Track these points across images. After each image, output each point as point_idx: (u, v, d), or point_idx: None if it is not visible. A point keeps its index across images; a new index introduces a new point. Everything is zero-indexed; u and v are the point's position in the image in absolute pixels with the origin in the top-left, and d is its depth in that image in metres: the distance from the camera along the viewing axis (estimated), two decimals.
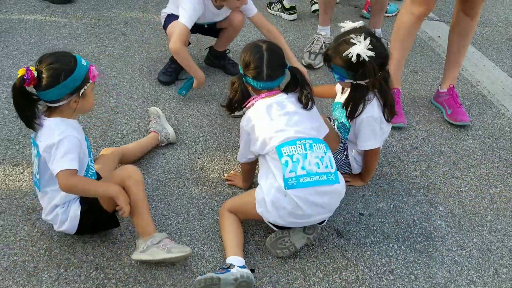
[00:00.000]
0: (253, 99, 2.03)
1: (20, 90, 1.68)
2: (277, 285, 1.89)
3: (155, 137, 2.44)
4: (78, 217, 1.87)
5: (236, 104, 2.06)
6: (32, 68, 1.67)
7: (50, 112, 1.79)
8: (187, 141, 2.56)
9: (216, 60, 3.15)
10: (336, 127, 2.35)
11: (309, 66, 3.23)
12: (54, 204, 1.86)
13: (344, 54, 1.96)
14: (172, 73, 3.01)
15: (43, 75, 1.67)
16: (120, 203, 1.78)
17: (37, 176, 1.84)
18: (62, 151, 1.70)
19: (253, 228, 2.11)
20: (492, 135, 2.80)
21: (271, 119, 1.94)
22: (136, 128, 2.61)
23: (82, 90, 1.74)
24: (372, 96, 2.10)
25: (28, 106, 1.73)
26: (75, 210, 1.87)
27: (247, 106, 2.04)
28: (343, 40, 2.01)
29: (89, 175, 1.88)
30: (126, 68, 3.10)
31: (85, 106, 1.81)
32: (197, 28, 2.88)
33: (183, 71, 3.04)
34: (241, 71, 2.02)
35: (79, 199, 1.88)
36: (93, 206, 1.87)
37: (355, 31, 2.02)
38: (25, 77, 1.64)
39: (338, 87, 2.34)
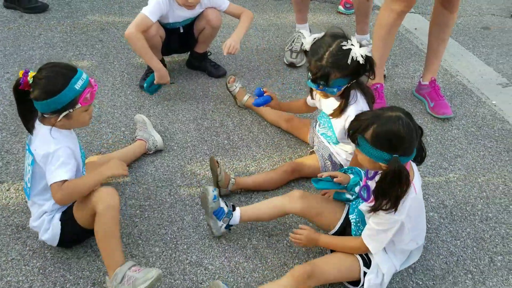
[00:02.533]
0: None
1: (17, 90, 1.72)
2: None
3: (141, 145, 2.39)
4: (60, 226, 1.86)
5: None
6: (31, 74, 1.69)
7: (43, 119, 1.79)
8: (175, 147, 2.53)
9: (198, 63, 3.11)
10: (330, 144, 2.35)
11: (292, 65, 3.23)
12: (43, 210, 1.86)
13: (349, 61, 1.92)
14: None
15: (35, 86, 1.70)
16: (119, 175, 1.90)
17: (28, 185, 1.83)
18: (58, 162, 1.73)
19: (250, 232, 2.10)
20: (475, 124, 2.85)
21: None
22: (122, 137, 2.56)
23: (65, 113, 1.74)
24: (358, 95, 2.11)
25: (28, 104, 1.75)
26: (57, 218, 1.87)
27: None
28: (332, 52, 1.95)
29: None
30: (106, 76, 3.04)
31: (73, 124, 1.83)
32: (173, 36, 2.87)
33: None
34: (392, 155, 1.58)
35: (61, 212, 1.88)
36: (72, 220, 1.86)
37: (328, 40, 1.99)
38: (20, 81, 1.69)
39: (309, 101, 2.34)
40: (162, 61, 2.98)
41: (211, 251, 2.01)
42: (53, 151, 1.72)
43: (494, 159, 2.58)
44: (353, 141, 1.67)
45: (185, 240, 2.05)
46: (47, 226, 1.86)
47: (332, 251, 1.93)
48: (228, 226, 2.02)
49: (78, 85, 1.73)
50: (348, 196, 1.98)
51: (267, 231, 2.11)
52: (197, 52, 3.06)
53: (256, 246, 2.04)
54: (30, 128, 1.81)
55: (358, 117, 1.69)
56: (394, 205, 1.64)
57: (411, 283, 1.93)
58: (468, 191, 2.37)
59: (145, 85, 2.78)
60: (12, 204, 2.15)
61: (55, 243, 1.90)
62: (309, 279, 1.76)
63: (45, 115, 1.77)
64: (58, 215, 1.87)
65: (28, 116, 1.80)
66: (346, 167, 2.09)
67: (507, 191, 2.38)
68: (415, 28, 3.88)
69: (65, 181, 1.72)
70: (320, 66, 1.97)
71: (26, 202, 2.14)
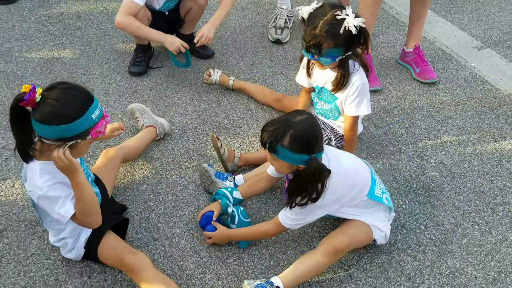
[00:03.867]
0: None
1: (17, 108, 1.48)
2: (301, 255, 1.94)
3: (152, 131, 2.36)
4: (84, 251, 1.82)
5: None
6: (39, 90, 1.47)
7: (42, 146, 1.60)
8: (176, 130, 2.52)
9: None
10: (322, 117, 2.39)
11: (277, 41, 3.25)
12: (63, 236, 1.80)
13: (341, 30, 1.91)
14: (142, 62, 2.92)
15: (43, 106, 1.47)
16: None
17: (38, 214, 1.74)
18: (59, 203, 1.60)
19: (265, 205, 2.15)
20: (459, 86, 2.98)
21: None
22: None
23: (71, 142, 1.52)
24: (358, 65, 2.15)
25: (26, 125, 1.53)
26: (82, 244, 1.81)
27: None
28: (327, 21, 1.94)
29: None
30: (92, 64, 2.97)
31: (73, 154, 1.56)
32: (160, 19, 2.84)
33: (153, 59, 2.99)
34: (310, 155, 1.66)
35: (86, 237, 1.81)
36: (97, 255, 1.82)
37: (325, 9, 1.98)
38: (25, 97, 1.44)
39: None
40: (149, 45, 2.95)
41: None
42: (43, 193, 1.57)
43: (482, 118, 2.72)
44: (271, 151, 1.68)
45: None
46: (71, 247, 1.82)
47: (341, 222, 1.99)
48: (236, 187, 2.09)
49: (95, 115, 1.54)
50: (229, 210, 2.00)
51: (282, 203, 2.15)
52: (184, 33, 3.03)
53: (273, 217, 2.08)
54: (27, 157, 1.59)
55: (269, 127, 1.69)
56: (313, 200, 1.71)
57: (425, 238, 2.04)
58: (463, 149, 2.50)
59: (174, 63, 2.79)
60: (21, 200, 2.11)
61: (79, 259, 1.86)
62: (345, 248, 1.84)
63: (46, 141, 1.53)
64: (83, 238, 1.80)
65: (27, 140, 1.56)
66: (213, 195, 2.06)
67: (498, 146, 2.53)
68: None
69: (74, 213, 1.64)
70: (313, 35, 1.97)
71: None
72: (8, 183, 2.18)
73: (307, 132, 1.66)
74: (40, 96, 1.47)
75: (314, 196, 1.70)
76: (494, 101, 2.86)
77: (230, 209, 1.98)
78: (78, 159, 1.70)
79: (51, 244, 1.91)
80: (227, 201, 2.00)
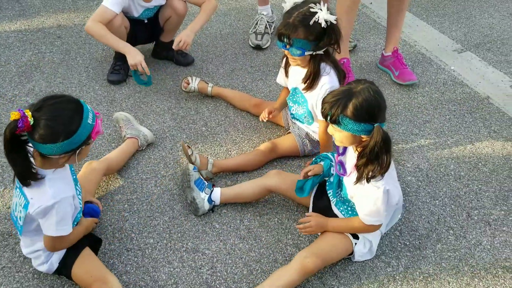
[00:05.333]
0: None
1: (12, 137, 1.48)
2: (275, 264, 1.94)
3: (134, 143, 2.35)
4: (57, 266, 1.81)
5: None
6: (28, 114, 1.45)
7: (45, 162, 1.60)
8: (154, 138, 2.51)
9: (164, 52, 3.08)
10: (299, 122, 2.42)
11: (258, 47, 3.25)
12: (38, 248, 1.78)
13: (312, 22, 1.97)
14: (120, 70, 2.91)
15: (39, 129, 1.48)
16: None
17: (20, 223, 1.71)
18: (58, 218, 1.61)
19: (241, 213, 2.14)
20: (438, 89, 2.99)
21: None
22: None
23: (78, 150, 1.58)
24: (329, 68, 2.17)
25: (22, 153, 1.54)
26: (56, 260, 1.80)
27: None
28: (302, 12, 2.02)
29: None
30: (71, 72, 2.96)
31: (78, 159, 1.62)
32: (139, 27, 2.84)
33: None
34: (374, 124, 1.65)
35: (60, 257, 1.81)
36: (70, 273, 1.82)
37: (305, 4, 2.06)
38: (19, 125, 1.44)
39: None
40: None
41: (206, 236, 2.04)
42: (52, 204, 1.58)
43: (459, 121, 2.73)
44: (334, 123, 1.68)
45: (178, 229, 2.06)
46: (44, 260, 1.80)
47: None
48: (210, 201, 2.09)
49: (90, 119, 1.57)
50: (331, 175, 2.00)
51: (257, 211, 2.15)
52: (163, 41, 3.03)
53: (249, 226, 2.09)
54: (29, 178, 1.57)
55: (330, 98, 1.69)
56: (383, 171, 1.69)
57: (399, 244, 2.04)
58: (439, 153, 2.51)
59: (133, 77, 2.72)
60: None
61: (51, 272, 1.84)
62: (318, 269, 1.85)
63: (52, 157, 1.56)
64: (59, 253, 1.79)
65: (26, 164, 1.55)
66: (315, 158, 2.09)
67: (474, 150, 2.53)
68: (371, 3, 3.97)
69: (62, 236, 1.66)
70: (286, 23, 2.05)
71: (7, 208, 2.11)
72: None
73: (370, 100, 1.63)
74: (32, 119, 1.47)
75: (384, 165, 1.67)
76: (473, 104, 2.87)
77: (333, 170, 1.96)
78: (70, 173, 1.74)
79: (22, 257, 1.90)
80: (330, 162, 1.98)
